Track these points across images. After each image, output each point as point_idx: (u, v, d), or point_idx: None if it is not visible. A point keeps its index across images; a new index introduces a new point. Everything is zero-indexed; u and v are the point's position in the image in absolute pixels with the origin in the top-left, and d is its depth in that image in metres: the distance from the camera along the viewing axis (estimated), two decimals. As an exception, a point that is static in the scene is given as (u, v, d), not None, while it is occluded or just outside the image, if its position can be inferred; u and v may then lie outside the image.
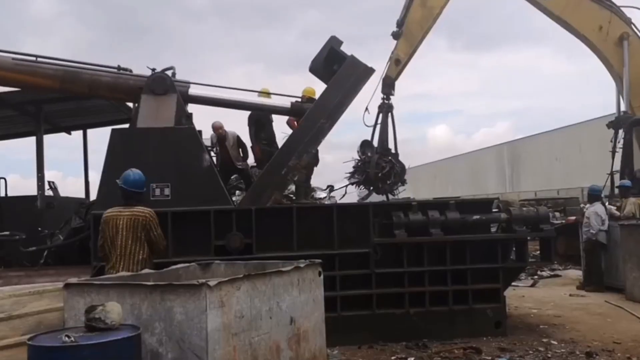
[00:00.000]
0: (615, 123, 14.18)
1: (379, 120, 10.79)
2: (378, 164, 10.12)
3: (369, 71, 8.14)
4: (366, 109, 10.96)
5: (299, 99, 9.06)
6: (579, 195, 23.30)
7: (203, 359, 3.37)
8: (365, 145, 10.57)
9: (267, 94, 9.66)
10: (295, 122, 9.85)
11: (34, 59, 8.06)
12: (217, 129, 9.96)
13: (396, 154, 10.63)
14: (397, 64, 11.11)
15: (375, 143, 10.64)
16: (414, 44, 11.33)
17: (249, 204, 7.76)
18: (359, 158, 10.50)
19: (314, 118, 7.99)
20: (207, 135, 9.71)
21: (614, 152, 13.57)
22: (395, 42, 11.27)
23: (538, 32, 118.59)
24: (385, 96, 10.89)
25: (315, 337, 4.50)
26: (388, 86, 10.91)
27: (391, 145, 10.69)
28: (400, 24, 11.27)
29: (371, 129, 10.72)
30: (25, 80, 8.21)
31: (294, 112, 8.95)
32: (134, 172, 5.89)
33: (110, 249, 5.59)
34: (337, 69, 8.14)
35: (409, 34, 11.25)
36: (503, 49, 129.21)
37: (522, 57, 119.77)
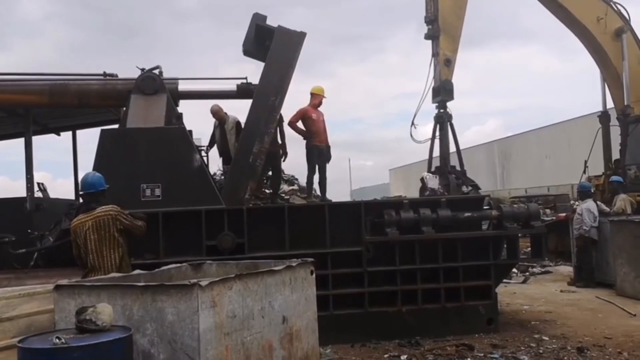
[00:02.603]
0: (604, 117, 14.26)
1: (437, 134, 9.79)
2: (458, 185, 9.05)
3: (301, 35, 7.90)
4: (412, 123, 10.11)
5: (244, 80, 8.72)
6: (569, 191, 23.43)
7: (195, 359, 3.36)
8: (439, 171, 9.54)
9: None
10: (297, 124, 9.71)
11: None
12: (215, 112, 9.73)
13: (463, 171, 9.56)
14: (448, 64, 10.02)
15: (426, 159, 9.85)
16: (457, 37, 10.29)
17: (228, 199, 7.65)
18: (432, 187, 9.32)
19: (263, 98, 7.82)
20: (197, 135, 9.65)
21: (624, 145, 13.58)
22: (431, 43, 10.19)
23: (526, 31, 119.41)
24: (441, 104, 9.84)
25: (307, 335, 4.49)
26: (448, 92, 9.82)
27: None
28: (431, 20, 10.14)
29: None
30: (15, 99, 8.31)
31: (241, 93, 8.66)
32: (88, 175, 5.82)
33: (86, 256, 5.54)
34: (269, 44, 7.94)
35: (448, 27, 10.17)
36: (492, 47, 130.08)
37: (511, 55, 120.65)
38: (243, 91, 8.64)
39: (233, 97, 8.90)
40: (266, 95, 7.79)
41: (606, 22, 12.92)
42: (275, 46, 7.84)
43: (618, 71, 13.28)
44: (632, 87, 13.13)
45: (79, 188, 5.78)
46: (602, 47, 13.17)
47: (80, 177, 13.09)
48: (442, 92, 9.81)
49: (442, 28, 10.08)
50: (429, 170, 9.90)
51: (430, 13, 10.15)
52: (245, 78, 8.70)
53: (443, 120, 9.75)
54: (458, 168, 9.57)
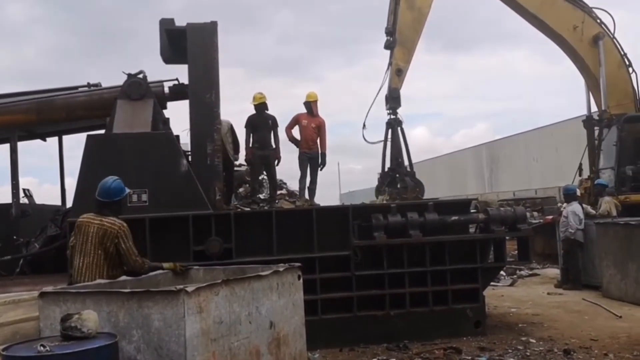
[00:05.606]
0: (588, 122, 14.40)
1: (389, 137, 10.56)
2: (412, 186, 9.84)
3: (213, 25, 7.87)
4: (364, 125, 10.88)
5: (176, 81, 8.59)
6: (556, 194, 23.61)
7: (182, 365, 3.35)
8: (394, 171, 10.41)
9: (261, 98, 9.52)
10: (290, 132, 9.86)
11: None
12: None
13: (412, 172, 10.40)
14: (399, 74, 10.80)
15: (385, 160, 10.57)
16: (412, 50, 11.03)
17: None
18: (388, 188, 10.22)
19: (199, 97, 7.77)
20: (184, 140, 9.59)
21: (599, 149, 13.73)
22: (388, 52, 11.00)
23: (513, 35, 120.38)
24: (392, 111, 10.62)
25: (295, 340, 4.50)
26: (395, 99, 10.62)
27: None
28: (390, 32, 10.92)
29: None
30: (2, 120, 8.28)
31: (174, 94, 8.57)
32: (107, 181, 5.52)
33: (78, 254, 5.30)
34: (185, 44, 7.88)
35: (404, 40, 10.93)
36: (480, 51, 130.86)
37: (499, 59, 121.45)
38: (176, 92, 8.54)
39: (166, 100, 8.72)
40: (200, 94, 7.77)
41: (583, 30, 13.04)
42: (192, 43, 7.82)
43: (596, 77, 13.41)
44: (612, 92, 13.26)
45: (96, 192, 5.49)
46: (580, 55, 13.31)
47: (66, 182, 13.05)
48: (390, 100, 10.65)
49: (398, 40, 10.88)
50: (382, 172, 10.75)
51: (390, 25, 10.99)
52: (177, 79, 8.60)
53: (393, 126, 10.57)
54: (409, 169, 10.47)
